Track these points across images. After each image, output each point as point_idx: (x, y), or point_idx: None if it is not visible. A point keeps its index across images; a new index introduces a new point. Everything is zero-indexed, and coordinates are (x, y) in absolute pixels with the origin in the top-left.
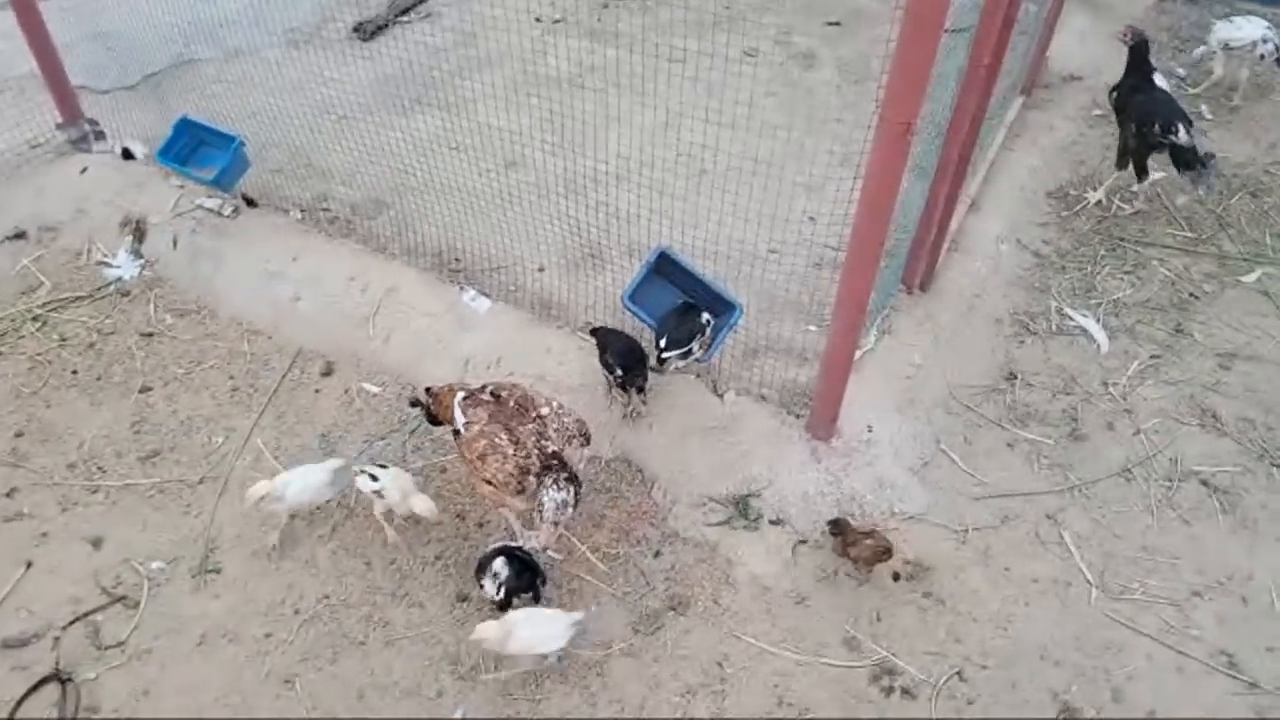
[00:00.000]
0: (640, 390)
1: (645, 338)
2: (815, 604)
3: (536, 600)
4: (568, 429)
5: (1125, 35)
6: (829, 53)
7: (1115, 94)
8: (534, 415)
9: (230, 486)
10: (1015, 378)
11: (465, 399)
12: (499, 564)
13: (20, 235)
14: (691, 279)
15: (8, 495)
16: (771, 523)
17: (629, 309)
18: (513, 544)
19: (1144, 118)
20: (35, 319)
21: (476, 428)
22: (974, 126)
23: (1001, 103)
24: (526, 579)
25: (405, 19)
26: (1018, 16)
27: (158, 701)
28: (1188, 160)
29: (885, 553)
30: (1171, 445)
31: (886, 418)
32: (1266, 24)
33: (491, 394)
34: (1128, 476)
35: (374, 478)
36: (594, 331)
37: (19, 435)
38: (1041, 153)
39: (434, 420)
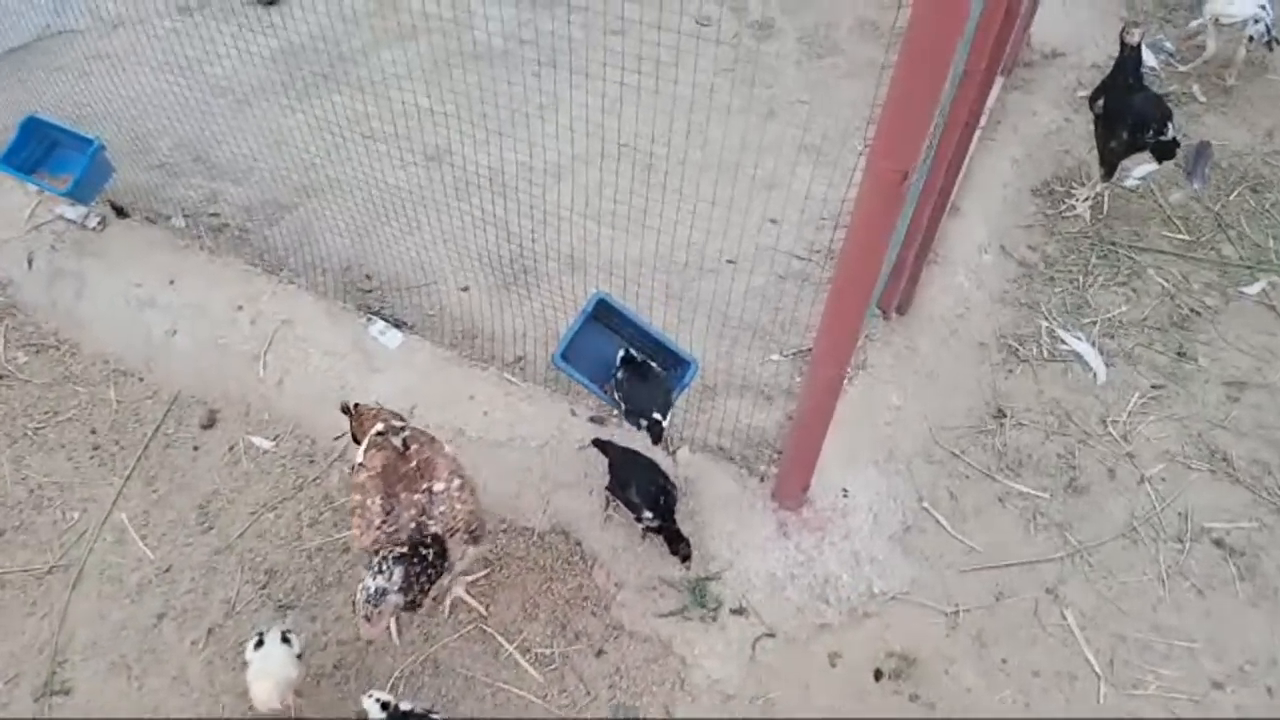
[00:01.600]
0: (681, 546)
1: (584, 401)
2: (784, 711)
3: None
4: (455, 518)
5: (1132, 34)
6: (789, 22)
7: (1103, 99)
8: (425, 487)
9: (86, 576)
10: (1005, 415)
11: (377, 434)
12: None
13: None
14: (637, 330)
15: None
16: (733, 612)
17: (561, 369)
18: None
19: (1141, 121)
20: None
21: (363, 476)
22: (966, 134)
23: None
24: None
25: None
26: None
27: None
28: (1170, 152)
29: None
30: (1180, 496)
31: (863, 476)
32: (1262, 1)
33: (403, 441)
34: (1134, 537)
35: (260, 643)
36: (601, 447)
37: None
38: (1023, 142)
39: (356, 440)
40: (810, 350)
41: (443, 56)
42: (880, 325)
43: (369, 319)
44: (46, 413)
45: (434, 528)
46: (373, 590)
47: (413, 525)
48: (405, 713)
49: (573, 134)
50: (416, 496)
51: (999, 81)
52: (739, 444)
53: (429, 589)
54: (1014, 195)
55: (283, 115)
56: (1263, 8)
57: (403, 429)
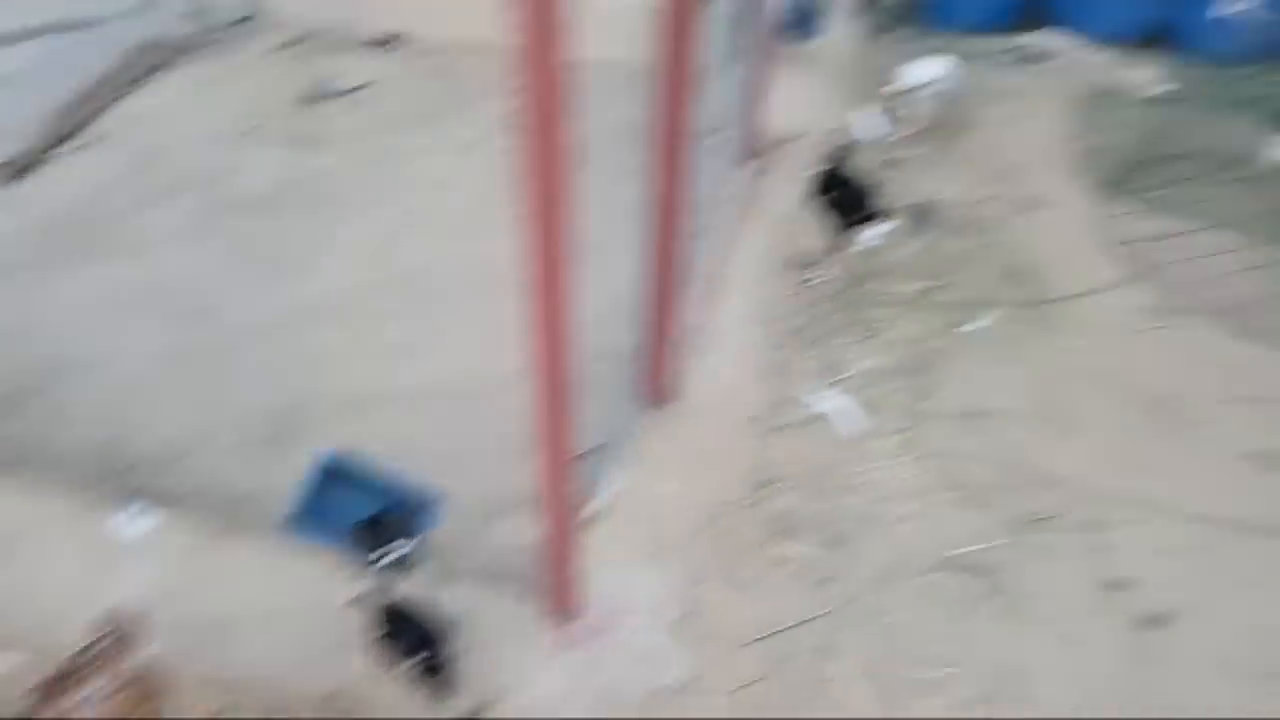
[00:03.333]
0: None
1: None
2: None
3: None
4: None
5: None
6: None
7: (822, 183)
8: None
9: None
10: (773, 483)
11: None
12: None
13: None
14: (371, 483)
15: None
16: None
17: (298, 534)
18: None
19: (856, 200)
20: None
21: None
22: (672, 214)
23: (723, 174)
24: None
25: (65, 149)
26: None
27: None
28: (891, 216)
29: None
30: (933, 529)
31: (640, 570)
32: (948, 64)
33: None
34: (894, 574)
35: None
36: (364, 602)
37: None
38: (773, 222)
39: None
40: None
41: (209, 209)
42: (649, 416)
43: (119, 508)
44: None
45: None
46: None
47: None
48: None
49: (349, 271)
50: None
51: (745, 166)
52: (516, 567)
53: None
54: (770, 271)
55: (35, 293)
56: (947, 69)
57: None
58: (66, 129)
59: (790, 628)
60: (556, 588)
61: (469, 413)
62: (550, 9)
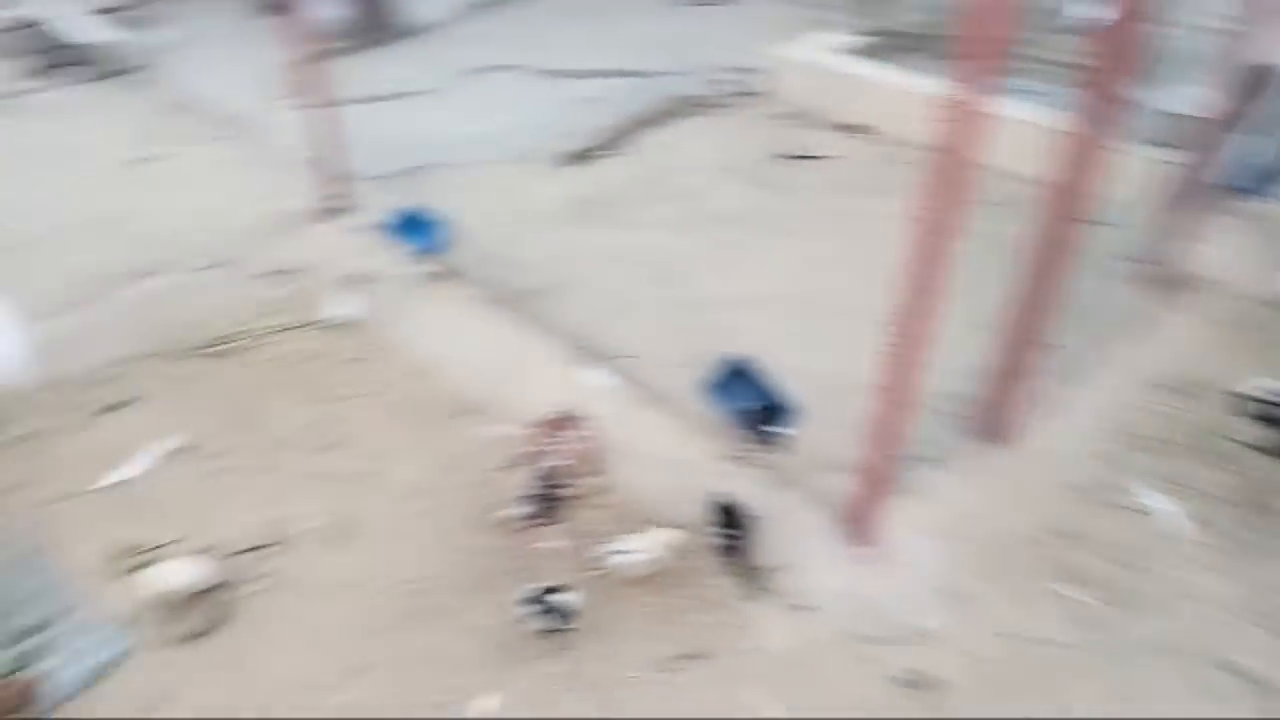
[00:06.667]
0: None
1: None
2: None
3: None
4: None
5: None
6: None
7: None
8: None
9: None
10: (1069, 537)
11: None
12: None
13: None
14: (761, 384)
15: None
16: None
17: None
18: None
19: None
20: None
21: None
22: (1033, 302)
23: (1118, 296)
24: None
25: (606, 153)
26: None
27: None
28: None
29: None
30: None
31: (932, 542)
32: None
33: None
34: (1160, 652)
35: None
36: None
37: None
38: (1156, 348)
39: None
40: None
41: (690, 213)
42: (982, 447)
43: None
44: None
45: None
46: None
47: None
48: None
49: (778, 276)
50: None
51: (1154, 296)
52: (832, 493)
53: None
54: (1138, 384)
55: (563, 240)
56: None
57: None
58: (611, 141)
59: (1040, 641)
60: (860, 515)
61: (827, 385)
62: (970, 121)
